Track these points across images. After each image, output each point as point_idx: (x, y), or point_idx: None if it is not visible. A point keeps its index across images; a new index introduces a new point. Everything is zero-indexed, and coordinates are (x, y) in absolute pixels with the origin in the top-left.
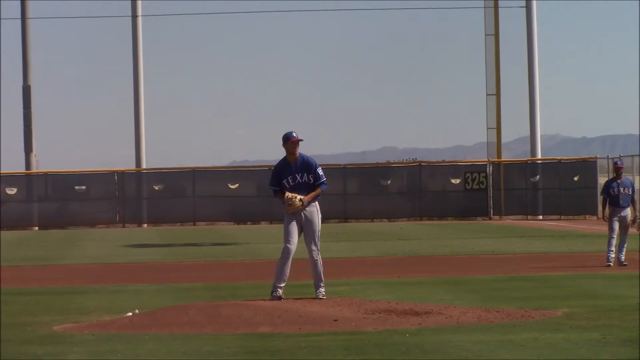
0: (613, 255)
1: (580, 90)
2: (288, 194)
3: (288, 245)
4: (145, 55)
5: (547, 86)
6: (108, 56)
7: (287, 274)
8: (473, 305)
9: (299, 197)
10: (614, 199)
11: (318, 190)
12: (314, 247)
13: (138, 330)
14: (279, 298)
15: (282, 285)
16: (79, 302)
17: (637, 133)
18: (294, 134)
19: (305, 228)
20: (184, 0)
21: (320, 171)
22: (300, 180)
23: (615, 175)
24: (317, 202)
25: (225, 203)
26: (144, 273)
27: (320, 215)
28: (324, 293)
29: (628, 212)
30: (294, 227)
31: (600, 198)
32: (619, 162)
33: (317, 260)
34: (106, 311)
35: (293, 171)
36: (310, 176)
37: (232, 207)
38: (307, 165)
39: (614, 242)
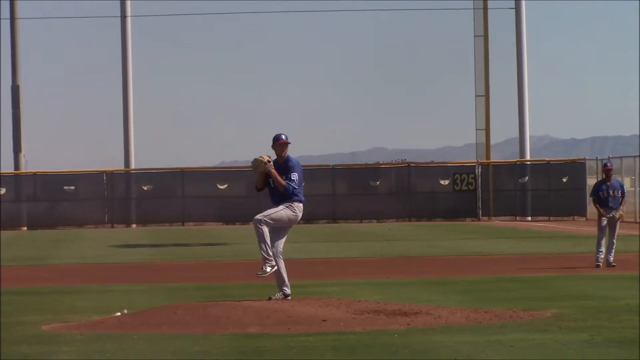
0: (602, 256)
1: (569, 91)
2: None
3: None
4: (134, 55)
5: (536, 87)
6: (97, 56)
7: (280, 273)
8: (461, 305)
9: (267, 157)
10: (603, 201)
11: (282, 182)
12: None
13: (127, 330)
14: (286, 297)
15: (282, 285)
16: (67, 302)
17: (626, 134)
18: (283, 137)
19: None
20: (173, 1)
21: (293, 176)
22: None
23: (604, 177)
24: (290, 206)
25: (214, 203)
26: (132, 273)
27: (288, 214)
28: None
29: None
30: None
31: (590, 199)
32: (608, 164)
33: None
34: (95, 311)
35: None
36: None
37: (222, 207)
38: (285, 168)
39: (603, 243)
